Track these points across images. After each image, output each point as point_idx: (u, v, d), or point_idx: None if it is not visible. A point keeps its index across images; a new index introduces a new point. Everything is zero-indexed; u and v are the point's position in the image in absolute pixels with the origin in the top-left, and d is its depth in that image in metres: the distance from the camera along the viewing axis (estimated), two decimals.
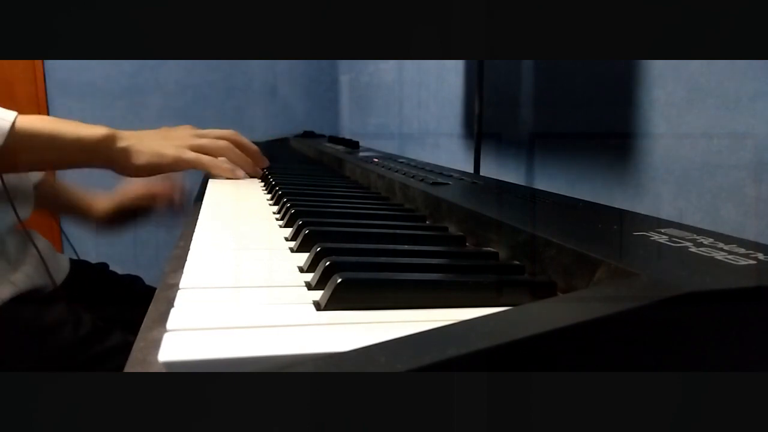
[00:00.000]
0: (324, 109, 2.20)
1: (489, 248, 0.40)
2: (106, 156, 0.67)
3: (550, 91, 0.94)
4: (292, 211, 0.48)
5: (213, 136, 0.74)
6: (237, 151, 0.75)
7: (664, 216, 0.42)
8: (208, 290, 0.30)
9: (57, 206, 1.00)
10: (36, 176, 0.84)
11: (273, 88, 2.14)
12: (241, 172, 0.75)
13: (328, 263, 0.31)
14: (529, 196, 0.50)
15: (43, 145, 0.63)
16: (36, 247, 0.75)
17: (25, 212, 0.77)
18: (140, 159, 0.68)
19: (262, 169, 0.80)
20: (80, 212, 0.99)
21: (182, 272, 0.32)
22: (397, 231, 0.45)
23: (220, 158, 0.74)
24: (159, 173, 0.70)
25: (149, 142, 0.69)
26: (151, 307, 0.30)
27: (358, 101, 1.99)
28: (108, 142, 0.66)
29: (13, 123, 0.59)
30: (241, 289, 0.31)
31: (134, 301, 0.82)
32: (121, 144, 0.67)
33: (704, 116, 0.64)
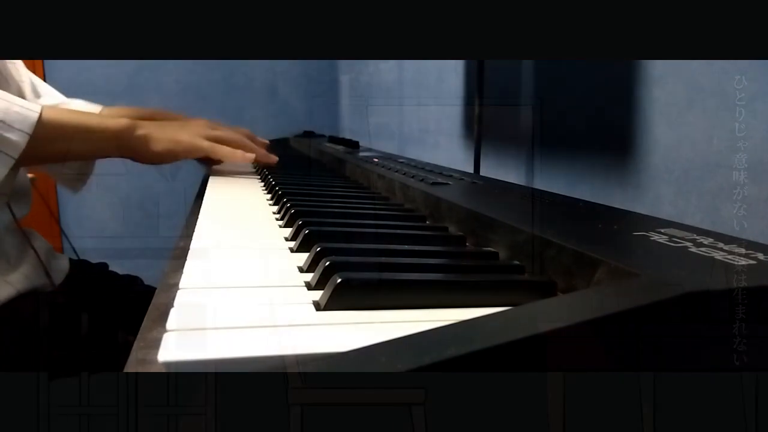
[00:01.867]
0: (324, 109, 2.19)
1: (489, 248, 0.40)
2: (127, 144, 0.70)
3: (550, 91, 0.94)
4: (292, 211, 0.48)
5: (227, 128, 0.80)
6: (248, 141, 0.80)
7: (664, 216, 0.42)
8: (208, 290, 0.30)
9: None
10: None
11: (273, 88, 2.14)
12: (251, 156, 0.78)
13: (327, 263, 0.31)
14: (529, 196, 0.50)
15: (70, 136, 0.65)
16: (33, 248, 0.74)
17: (23, 210, 0.77)
18: (158, 146, 0.71)
19: (264, 168, 0.81)
20: None
21: (182, 272, 0.32)
22: (397, 231, 0.45)
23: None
24: (175, 160, 0.74)
25: (166, 130, 0.73)
26: (150, 307, 0.30)
27: (358, 101, 1.99)
28: (130, 131, 0.69)
29: (41, 114, 0.61)
30: (241, 289, 0.31)
31: (134, 301, 0.82)
32: (141, 132, 0.70)
33: (704, 116, 0.64)
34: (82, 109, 0.93)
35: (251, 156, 0.78)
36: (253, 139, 0.83)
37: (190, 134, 0.74)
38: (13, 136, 0.58)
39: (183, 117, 0.95)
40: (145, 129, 0.71)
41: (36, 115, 0.60)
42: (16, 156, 0.59)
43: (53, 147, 0.65)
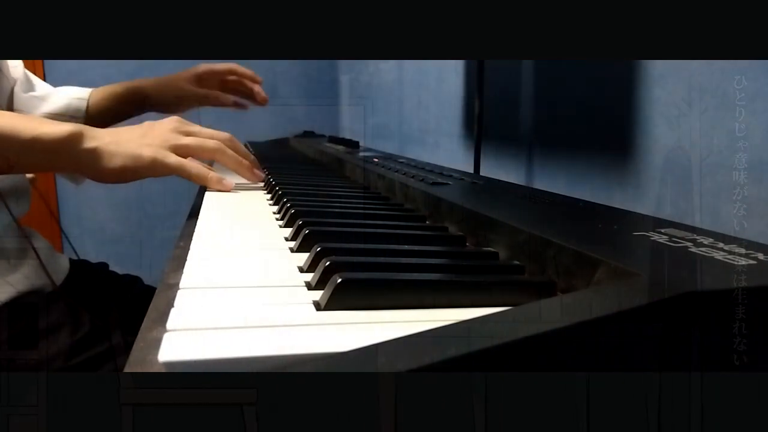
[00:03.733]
0: (324, 109, 2.19)
1: (489, 248, 0.40)
2: (70, 158, 0.58)
3: (550, 91, 0.94)
4: (292, 211, 0.48)
5: (204, 136, 0.64)
6: (229, 152, 0.64)
7: (664, 216, 0.42)
8: (208, 290, 0.30)
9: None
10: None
11: (273, 88, 2.14)
12: (230, 183, 0.63)
13: (327, 263, 0.31)
14: (529, 196, 0.50)
15: None
16: (34, 248, 0.74)
17: (22, 209, 0.77)
18: (113, 162, 0.58)
19: (264, 168, 0.80)
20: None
21: (182, 272, 0.32)
22: (397, 231, 0.45)
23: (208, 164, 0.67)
24: (134, 179, 0.60)
25: (125, 143, 0.59)
26: (151, 307, 0.30)
27: (358, 101, 1.99)
28: (73, 141, 0.57)
29: None
30: (241, 289, 0.31)
31: (134, 301, 0.83)
32: (90, 144, 0.58)
33: (704, 116, 0.64)
34: (70, 94, 0.89)
35: (228, 184, 0.63)
36: (234, 149, 0.66)
37: (154, 147, 0.59)
38: None
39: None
40: (97, 140, 0.58)
41: None
42: None
43: None
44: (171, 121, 0.64)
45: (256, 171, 0.68)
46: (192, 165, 0.61)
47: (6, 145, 0.56)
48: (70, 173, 0.64)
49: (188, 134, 0.63)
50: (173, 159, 0.60)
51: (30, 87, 0.87)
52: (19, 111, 0.83)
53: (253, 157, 0.71)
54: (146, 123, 0.64)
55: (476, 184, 0.59)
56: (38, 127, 0.57)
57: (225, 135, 0.66)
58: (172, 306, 0.27)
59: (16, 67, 0.84)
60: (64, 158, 0.58)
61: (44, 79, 0.92)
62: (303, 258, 0.37)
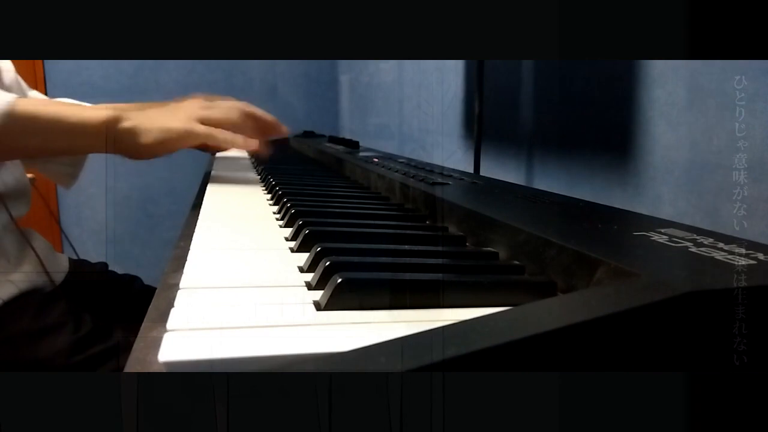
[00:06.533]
0: (324, 109, 2.19)
1: (489, 248, 0.40)
2: (111, 139, 0.63)
3: (550, 91, 0.94)
4: (292, 211, 0.48)
5: (224, 107, 0.71)
6: (249, 122, 0.72)
7: (664, 216, 0.42)
8: (208, 290, 0.30)
9: None
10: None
11: (273, 88, 2.14)
12: (254, 143, 0.69)
13: (328, 263, 0.31)
14: (529, 196, 0.50)
15: (44, 129, 0.60)
16: (33, 248, 0.74)
17: (22, 209, 0.77)
18: (148, 138, 0.63)
19: (264, 168, 0.81)
20: None
21: (182, 272, 0.32)
22: (397, 231, 0.45)
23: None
24: (169, 151, 0.66)
25: (156, 118, 0.65)
26: (151, 307, 0.30)
27: (358, 101, 1.99)
28: (113, 123, 0.63)
29: (12, 105, 0.57)
30: (241, 289, 0.31)
31: (134, 301, 0.83)
32: (126, 124, 0.63)
33: (704, 116, 0.64)
34: None
35: (254, 143, 0.69)
36: (253, 116, 0.74)
37: (182, 119, 0.65)
38: None
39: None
40: (132, 120, 0.63)
41: (6, 106, 0.56)
42: None
43: (28, 141, 0.61)
44: (194, 98, 0.71)
45: (278, 132, 0.78)
46: (219, 131, 0.66)
47: (56, 130, 0.61)
48: (104, 153, 0.66)
49: (211, 108, 0.69)
50: (202, 128, 0.65)
51: (23, 93, 0.87)
52: None
53: (271, 117, 0.80)
54: (172, 101, 0.71)
55: (476, 184, 0.59)
56: (82, 112, 0.63)
57: (242, 103, 0.74)
58: (172, 306, 0.27)
59: (8, 71, 0.83)
60: (105, 140, 0.63)
61: (44, 80, 0.92)
62: (303, 258, 0.37)
